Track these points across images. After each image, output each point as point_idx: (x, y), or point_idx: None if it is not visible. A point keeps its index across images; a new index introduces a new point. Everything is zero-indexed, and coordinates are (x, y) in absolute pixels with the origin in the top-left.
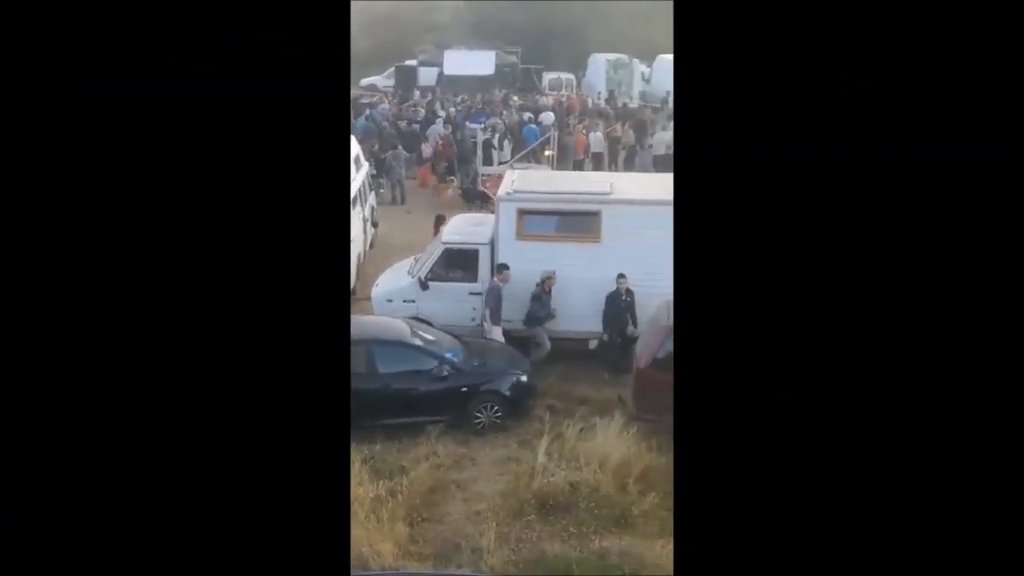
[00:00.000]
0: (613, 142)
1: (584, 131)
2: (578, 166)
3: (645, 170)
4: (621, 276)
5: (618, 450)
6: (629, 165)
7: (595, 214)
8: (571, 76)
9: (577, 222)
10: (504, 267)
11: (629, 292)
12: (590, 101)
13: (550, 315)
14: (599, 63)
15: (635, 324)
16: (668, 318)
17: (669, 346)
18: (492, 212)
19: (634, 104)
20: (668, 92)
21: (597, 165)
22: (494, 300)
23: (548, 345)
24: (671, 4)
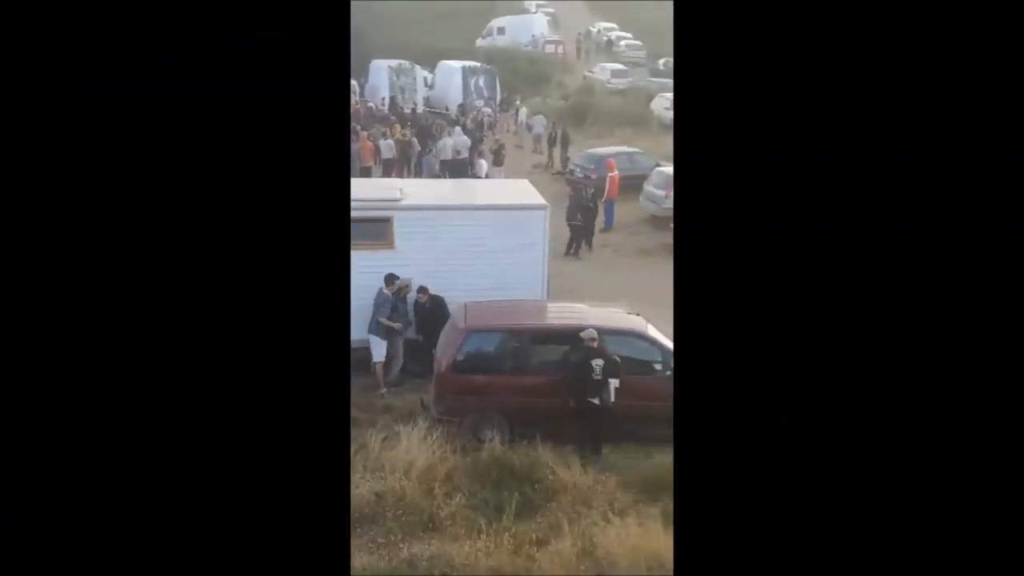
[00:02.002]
0: (404, 147)
1: (370, 138)
2: (365, 173)
3: (432, 175)
4: (421, 288)
5: (422, 455)
6: (416, 170)
7: (386, 220)
8: (353, 82)
9: (369, 229)
10: (394, 276)
11: (431, 298)
12: (373, 107)
13: (406, 325)
14: (381, 69)
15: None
16: (464, 320)
17: (467, 348)
18: None
19: (419, 110)
20: (452, 98)
21: (388, 171)
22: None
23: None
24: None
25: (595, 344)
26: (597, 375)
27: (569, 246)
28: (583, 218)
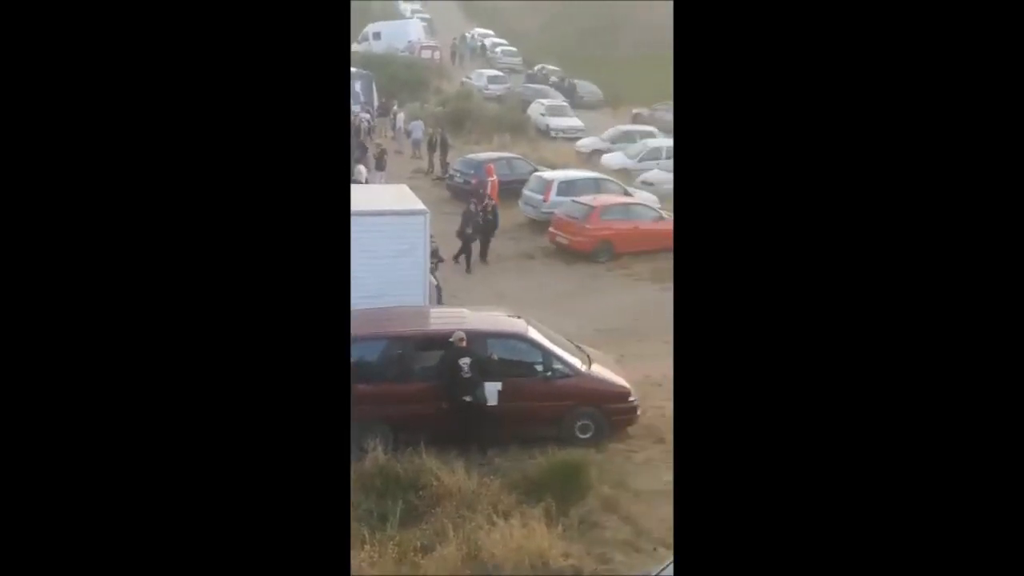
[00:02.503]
0: None
1: None
2: None
3: None
4: None
5: None
6: None
7: None
8: None
9: None
10: None
11: None
12: None
13: None
14: None
15: None
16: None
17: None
18: None
19: None
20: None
21: None
22: None
23: None
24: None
25: (463, 344)
26: (466, 373)
27: (457, 256)
28: (474, 231)
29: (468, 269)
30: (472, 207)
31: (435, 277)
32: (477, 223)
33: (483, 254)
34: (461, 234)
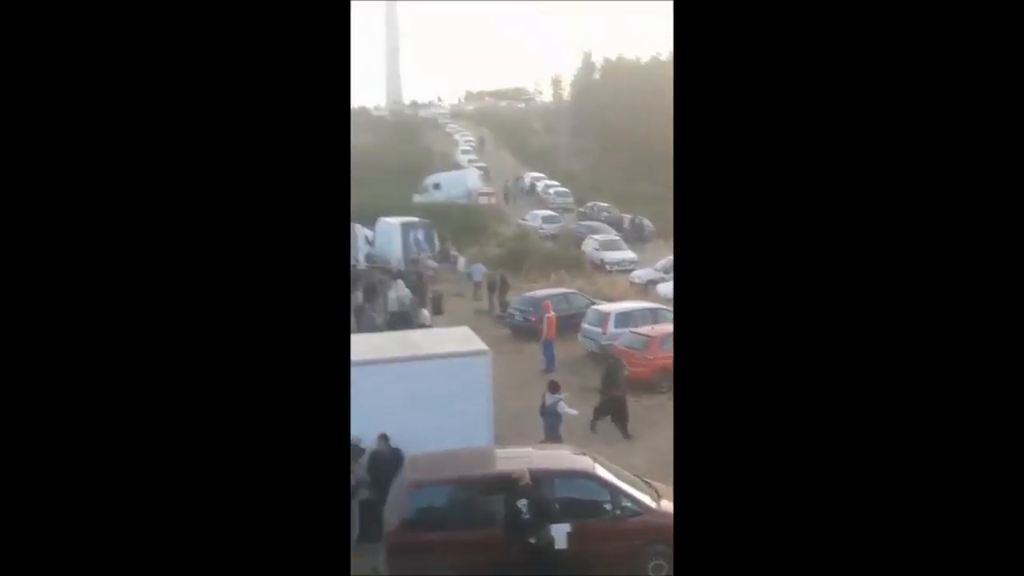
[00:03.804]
0: None
1: None
2: None
3: (375, 329)
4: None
5: None
6: (360, 325)
7: None
8: None
9: None
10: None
11: (390, 448)
12: None
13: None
14: None
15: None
16: (411, 474)
17: (416, 504)
18: None
19: (361, 266)
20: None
21: None
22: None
23: None
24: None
25: (527, 485)
26: (526, 515)
27: (596, 420)
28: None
29: (593, 428)
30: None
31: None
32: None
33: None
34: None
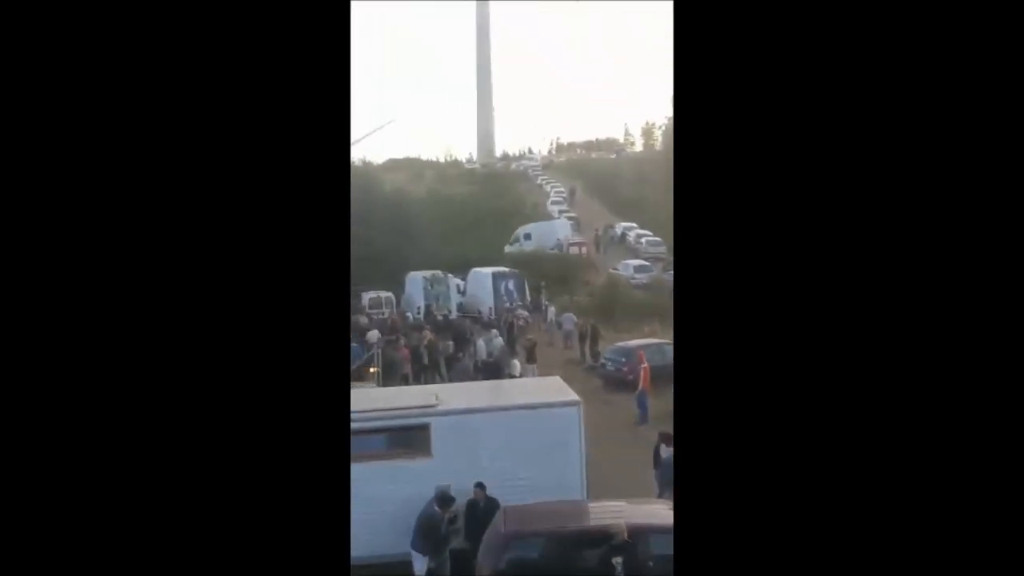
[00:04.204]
0: (432, 351)
1: (407, 345)
2: (404, 381)
3: (467, 378)
4: (479, 485)
5: None
6: (452, 375)
7: (424, 427)
8: (390, 294)
9: (406, 437)
10: (450, 499)
11: (487, 499)
12: (410, 316)
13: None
14: (416, 280)
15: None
16: (504, 526)
17: (509, 556)
18: None
19: (453, 316)
20: (484, 303)
21: (423, 377)
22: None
23: None
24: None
25: (624, 541)
26: (620, 571)
27: None
28: None
29: None
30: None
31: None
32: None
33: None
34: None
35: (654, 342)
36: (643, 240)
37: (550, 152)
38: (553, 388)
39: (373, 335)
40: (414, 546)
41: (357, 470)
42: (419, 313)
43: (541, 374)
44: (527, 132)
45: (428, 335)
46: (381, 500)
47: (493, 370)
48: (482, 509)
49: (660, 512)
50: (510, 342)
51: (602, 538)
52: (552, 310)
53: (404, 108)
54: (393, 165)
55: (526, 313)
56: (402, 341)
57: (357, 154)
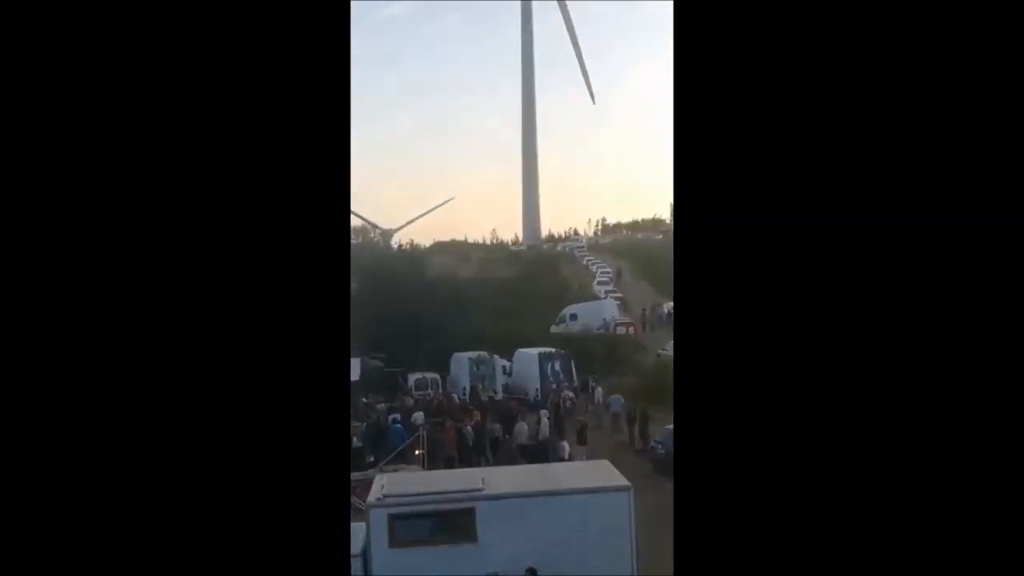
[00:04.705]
0: (478, 433)
1: (452, 427)
2: (450, 463)
3: (514, 460)
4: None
5: None
6: (498, 457)
7: (469, 512)
8: (436, 375)
9: (451, 522)
10: None
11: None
12: (456, 397)
13: None
14: (461, 361)
15: None
16: None
17: None
18: (362, 520)
19: (499, 397)
20: (530, 384)
21: (469, 459)
22: None
23: None
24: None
25: None
26: None
27: None
28: None
29: None
30: None
31: None
32: None
33: None
34: None
35: None
36: None
37: (596, 233)
38: (602, 472)
39: (418, 416)
40: None
41: (400, 555)
42: (465, 394)
43: (588, 457)
44: (572, 213)
45: (474, 416)
46: None
47: (540, 452)
48: None
49: None
50: (557, 424)
51: None
52: (600, 391)
53: (454, 190)
54: (439, 248)
55: (572, 394)
56: (448, 423)
57: (404, 237)
